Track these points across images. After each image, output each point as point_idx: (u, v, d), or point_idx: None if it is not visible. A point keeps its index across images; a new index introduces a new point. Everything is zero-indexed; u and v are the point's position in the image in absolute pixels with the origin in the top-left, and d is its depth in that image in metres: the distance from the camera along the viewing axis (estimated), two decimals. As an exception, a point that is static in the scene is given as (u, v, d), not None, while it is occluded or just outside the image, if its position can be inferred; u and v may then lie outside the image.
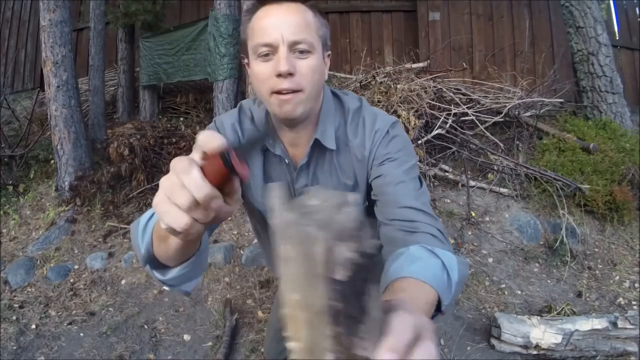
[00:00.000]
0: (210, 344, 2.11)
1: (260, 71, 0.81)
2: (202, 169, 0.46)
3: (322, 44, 0.85)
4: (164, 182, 0.47)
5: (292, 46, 0.79)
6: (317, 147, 0.92)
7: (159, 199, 0.47)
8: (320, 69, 0.84)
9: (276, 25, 0.78)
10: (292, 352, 0.33)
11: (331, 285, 0.30)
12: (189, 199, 0.45)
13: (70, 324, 2.31)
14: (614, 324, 1.95)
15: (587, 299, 2.41)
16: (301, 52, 0.80)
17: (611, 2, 5.26)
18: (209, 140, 0.46)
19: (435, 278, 0.67)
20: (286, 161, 0.95)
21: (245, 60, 0.89)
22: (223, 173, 0.46)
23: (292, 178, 0.97)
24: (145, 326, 2.26)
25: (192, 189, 0.45)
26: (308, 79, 0.80)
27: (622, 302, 2.38)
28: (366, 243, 0.31)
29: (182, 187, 0.45)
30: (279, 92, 0.79)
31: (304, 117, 0.85)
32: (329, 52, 0.90)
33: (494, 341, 2.03)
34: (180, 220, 0.46)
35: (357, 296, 0.31)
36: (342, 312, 0.30)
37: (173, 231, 0.48)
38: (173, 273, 0.68)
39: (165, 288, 0.76)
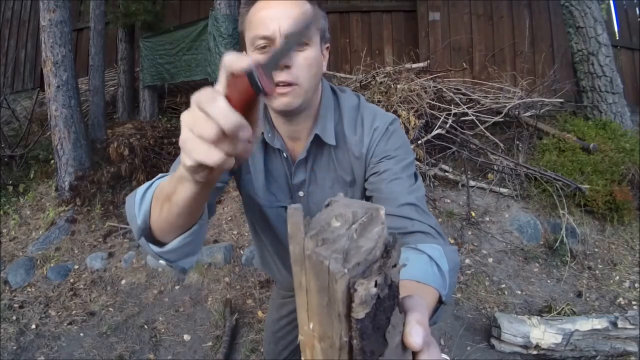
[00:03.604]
0: (210, 344, 2.11)
1: None
2: (227, 97, 0.42)
3: (320, 36, 0.85)
4: (186, 117, 0.44)
5: None
6: (316, 142, 0.92)
7: (184, 136, 0.44)
8: (318, 61, 0.84)
9: (273, 18, 0.78)
10: None
11: (351, 324, 0.27)
12: (216, 131, 0.42)
13: (70, 324, 2.31)
14: (614, 324, 1.95)
15: (587, 299, 2.41)
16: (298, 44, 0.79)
17: (611, 2, 5.26)
18: (235, 60, 0.44)
19: (426, 273, 0.67)
20: (284, 155, 0.94)
21: (243, 52, 0.88)
22: (250, 94, 0.42)
23: (290, 172, 0.97)
24: (145, 326, 2.25)
25: (219, 119, 0.42)
26: (305, 72, 0.80)
27: (622, 302, 2.38)
28: (393, 271, 0.29)
29: (207, 118, 0.42)
30: (275, 84, 0.79)
31: (301, 109, 0.85)
32: (328, 45, 0.90)
33: (494, 341, 2.03)
34: (212, 154, 0.43)
35: (378, 330, 0.29)
36: (360, 350, 0.28)
37: (202, 168, 0.45)
38: (173, 244, 0.64)
39: (161, 262, 0.71)
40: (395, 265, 0.30)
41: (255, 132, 0.46)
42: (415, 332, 0.33)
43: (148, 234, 0.65)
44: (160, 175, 0.73)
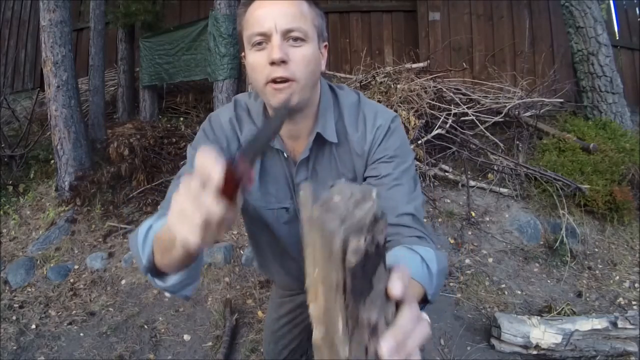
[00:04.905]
0: (210, 344, 2.11)
1: (254, 60, 0.81)
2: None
3: (318, 34, 0.84)
4: (177, 200, 0.47)
5: (286, 34, 0.78)
6: (318, 141, 0.92)
7: (173, 218, 0.48)
8: (316, 58, 0.83)
9: (270, 15, 0.78)
10: (311, 315, 0.40)
11: (344, 269, 0.36)
12: (201, 220, 0.46)
13: (70, 324, 2.30)
14: (614, 324, 1.95)
15: (587, 299, 2.41)
16: (295, 40, 0.79)
17: (611, 2, 5.26)
18: (208, 169, 0.45)
19: (417, 271, 0.73)
20: (285, 155, 0.94)
21: (242, 54, 0.88)
22: (231, 185, 0.46)
23: (291, 172, 0.97)
24: (145, 326, 2.25)
25: (204, 212, 0.45)
26: (302, 67, 0.80)
27: (622, 302, 2.38)
28: (379, 235, 0.37)
29: (194, 208, 0.46)
30: (273, 81, 0.79)
31: (300, 106, 0.85)
32: (326, 43, 0.89)
33: (494, 341, 2.03)
34: (194, 240, 0.47)
35: (366, 276, 0.37)
36: (352, 289, 0.37)
37: (188, 247, 0.49)
38: (173, 280, 0.69)
39: (167, 295, 0.77)
40: (382, 232, 0.38)
41: (237, 207, 0.49)
42: (396, 284, 0.40)
43: (153, 269, 0.70)
44: (157, 214, 0.79)
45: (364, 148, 0.92)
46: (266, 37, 0.79)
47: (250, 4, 0.83)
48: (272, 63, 0.78)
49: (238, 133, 0.95)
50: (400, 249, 0.77)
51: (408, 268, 0.69)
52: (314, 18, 0.83)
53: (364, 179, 0.93)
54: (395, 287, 0.40)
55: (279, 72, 0.78)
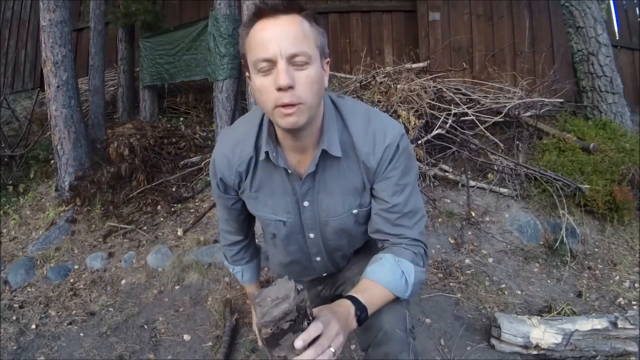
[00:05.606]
0: (210, 344, 2.11)
1: (261, 85, 0.83)
2: None
3: (320, 52, 0.87)
4: None
5: (291, 59, 0.80)
6: (324, 155, 0.95)
7: None
8: (320, 78, 0.86)
9: (274, 39, 0.79)
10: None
11: (262, 337, 0.71)
12: None
13: (70, 324, 2.31)
14: (614, 324, 1.95)
15: (587, 299, 2.41)
16: (300, 63, 0.81)
17: (611, 2, 5.26)
18: None
19: (395, 283, 0.96)
20: (289, 171, 0.98)
21: (247, 74, 0.90)
22: None
23: (293, 186, 1.00)
24: (145, 326, 2.25)
25: None
26: (307, 89, 0.82)
27: (622, 302, 2.37)
28: (282, 324, 0.68)
29: None
30: (282, 106, 0.82)
31: (307, 125, 0.88)
32: (328, 59, 0.92)
33: (494, 341, 2.03)
34: None
35: (275, 340, 0.70)
36: (266, 344, 0.71)
37: None
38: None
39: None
40: (288, 321, 0.69)
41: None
42: (298, 341, 0.69)
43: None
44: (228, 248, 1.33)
45: (373, 164, 0.96)
46: (272, 63, 0.81)
47: (252, 25, 0.84)
48: (280, 89, 0.80)
49: (234, 163, 1.03)
50: (390, 260, 0.98)
51: (389, 280, 0.98)
52: (316, 37, 0.85)
53: (372, 195, 1.02)
54: (297, 343, 0.68)
55: (286, 97, 0.80)
